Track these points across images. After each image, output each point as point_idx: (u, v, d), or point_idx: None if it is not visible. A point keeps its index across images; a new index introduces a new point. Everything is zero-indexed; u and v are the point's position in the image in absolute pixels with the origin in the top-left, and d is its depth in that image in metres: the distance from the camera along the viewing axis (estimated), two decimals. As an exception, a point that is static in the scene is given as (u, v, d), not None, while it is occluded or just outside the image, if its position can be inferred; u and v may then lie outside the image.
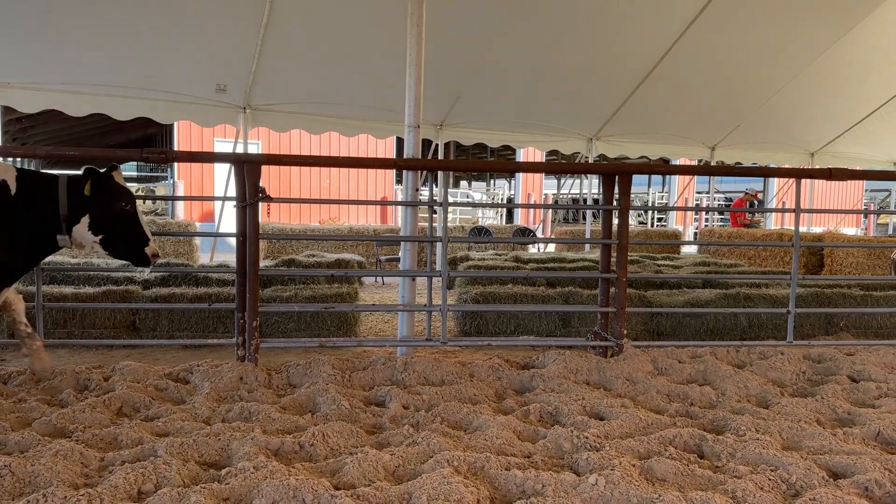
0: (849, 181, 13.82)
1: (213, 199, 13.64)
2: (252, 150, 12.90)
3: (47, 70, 8.36)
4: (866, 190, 27.43)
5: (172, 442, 3.09)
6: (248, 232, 4.57)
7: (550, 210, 17.63)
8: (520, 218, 19.47)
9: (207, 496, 2.53)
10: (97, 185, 3.90)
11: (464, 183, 35.36)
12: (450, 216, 19.87)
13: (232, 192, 4.81)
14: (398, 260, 8.67)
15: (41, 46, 7.90)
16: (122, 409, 3.76)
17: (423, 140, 6.05)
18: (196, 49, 8.40)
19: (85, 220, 3.94)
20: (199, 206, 17.72)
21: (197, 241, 12.23)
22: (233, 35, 8.27)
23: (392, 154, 19.72)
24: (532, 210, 19.68)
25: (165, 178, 22.33)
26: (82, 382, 4.22)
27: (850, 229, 23.69)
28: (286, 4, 7.66)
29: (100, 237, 3.98)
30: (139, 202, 4.16)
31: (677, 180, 21.44)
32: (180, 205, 15.65)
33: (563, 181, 24.93)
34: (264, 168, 4.65)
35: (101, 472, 2.90)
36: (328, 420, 3.55)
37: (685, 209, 10.99)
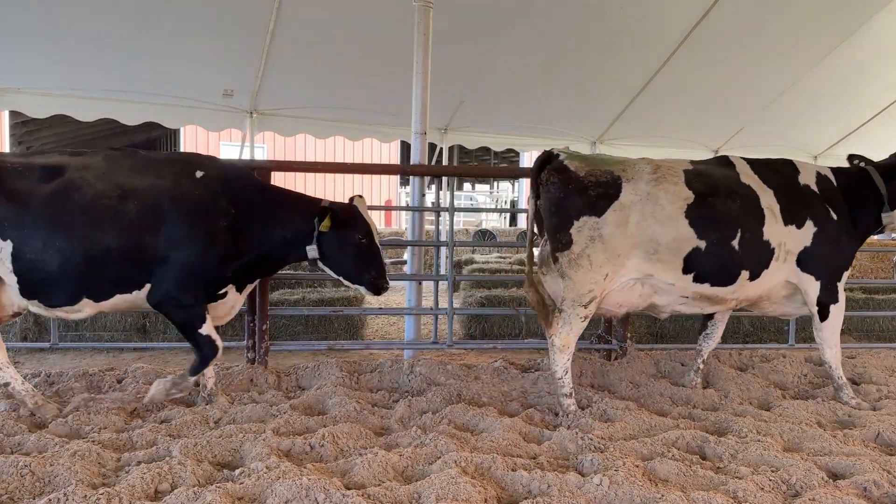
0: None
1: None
2: (257, 153, 12.96)
3: (57, 75, 8.43)
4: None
5: (186, 443, 3.17)
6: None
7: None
8: (524, 220, 19.48)
9: (222, 495, 2.60)
10: None
11: (467, 185, 35.33)
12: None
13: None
14: (404, 262, 8.73)
15: (51, 52, 7.97)
16: (136, 410, 3.84)
17: (428, 144, 6.11)
18: (204, 54, 8.46)
19: None
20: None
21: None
22: (240, 41, 8.33)
23: (397, 157, 19.77)
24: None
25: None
26: (96, 384, 4.30)
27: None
28: (293, 10, 7.74)
29: None
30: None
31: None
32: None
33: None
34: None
35: (117, 472, 2.97)
36: (337, 421, 3.62)
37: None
